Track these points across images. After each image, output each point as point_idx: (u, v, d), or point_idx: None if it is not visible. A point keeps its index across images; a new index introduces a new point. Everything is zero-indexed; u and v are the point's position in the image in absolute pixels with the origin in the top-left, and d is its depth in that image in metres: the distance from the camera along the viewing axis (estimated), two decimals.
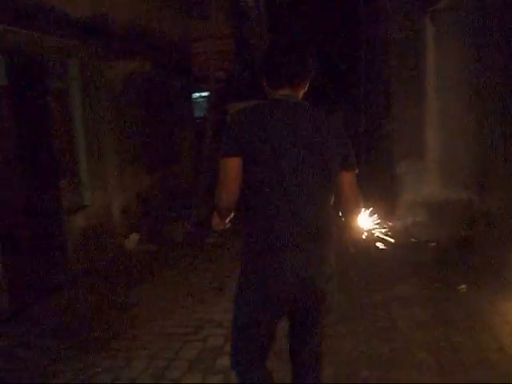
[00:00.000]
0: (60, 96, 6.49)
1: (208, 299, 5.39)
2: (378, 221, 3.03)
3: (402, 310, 4.80)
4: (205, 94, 16.32)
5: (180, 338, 4.49)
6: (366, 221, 2.88)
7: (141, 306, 5.35)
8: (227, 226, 2.61)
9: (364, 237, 2.81)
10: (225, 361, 4.05)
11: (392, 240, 3.20)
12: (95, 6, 6.70)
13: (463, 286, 5.19)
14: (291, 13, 12.02)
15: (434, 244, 6.60)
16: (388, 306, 4.90)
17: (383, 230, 3.08)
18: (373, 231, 2.98)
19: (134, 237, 7.52)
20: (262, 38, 13.41)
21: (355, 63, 9.48)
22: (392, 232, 3.19)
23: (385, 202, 8.00)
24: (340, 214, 2.59)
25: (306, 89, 2.56)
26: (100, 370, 4.03)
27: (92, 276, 6.35)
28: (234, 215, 2.55)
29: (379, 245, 3.15)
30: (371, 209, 2.94)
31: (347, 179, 2.51)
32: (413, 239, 6.72)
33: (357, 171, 2.54)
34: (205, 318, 4.87)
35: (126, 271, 6.55)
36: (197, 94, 13.07)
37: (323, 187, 2.43)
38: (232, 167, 2.36)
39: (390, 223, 5.78)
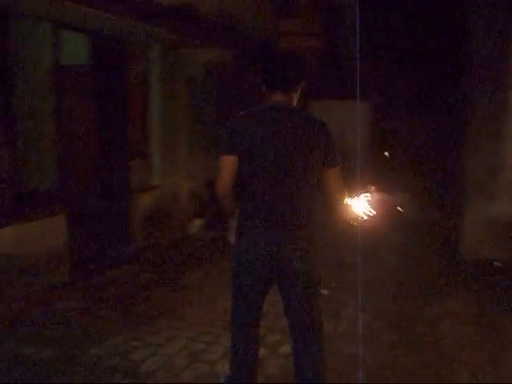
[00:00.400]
0: (139, 79, 6.74)
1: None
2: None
3: (453, 326, 4.66)
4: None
5: (223, 323, 4.56)
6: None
7: (192, 288, 5.49)
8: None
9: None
10: (262, 351, 4.11)
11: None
12: None
13: None
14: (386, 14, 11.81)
15: (499, 264, 6.32)
16: (438, 322, 4.76)
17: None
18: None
19: (198, 222, 7.70)
20: (351, 39, 13.24)
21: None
22: None
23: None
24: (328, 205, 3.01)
25: (298, 94, 2.98)
26: (140, 344, 4.18)
27: (152, 254, 6.59)
28: None
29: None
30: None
31: (331, 174, 2.93)
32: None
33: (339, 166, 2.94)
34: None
35: (185, 254, 6.74)
36: None
37: (304, 182, 2.85)
38: (226, 163, 2.85)
39: None
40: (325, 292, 4.96)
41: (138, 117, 6.86)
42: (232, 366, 3.13)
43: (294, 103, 2.98)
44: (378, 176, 10.49)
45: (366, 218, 3.08)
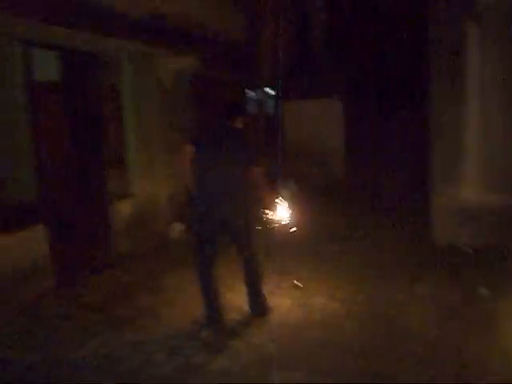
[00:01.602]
0: (112, 90, 6.92)
1: (236, 288, 5.64)
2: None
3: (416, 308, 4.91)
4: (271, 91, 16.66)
5: (200, 321, 4.77)
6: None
7: (171, 290, 5.70)
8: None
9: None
10: (237, 343, 4.35)
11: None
12: (148, 3, 7.05)
13: (483, 290, 5.22)
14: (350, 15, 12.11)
15: (470, 250, 6.60)
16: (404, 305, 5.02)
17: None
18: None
19: (178, 226, 7.89)
20: (319, 38, 13.52)
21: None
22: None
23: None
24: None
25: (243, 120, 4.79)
26: (122, 343, 4.39)
27: (133, 260, 6.78)
28: None
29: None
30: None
31: (253, 172, 4.59)
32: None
33: (258, 167, 4.59)
34: (227, 305, 5.13)
35: (166, 258, 6.93)
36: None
37: (235, 172, 4.55)
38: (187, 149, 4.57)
39: None
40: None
41: (113, 127, 7.04)
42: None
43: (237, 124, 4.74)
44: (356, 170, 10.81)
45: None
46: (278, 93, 10.61)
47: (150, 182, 7.64)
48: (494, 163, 6.79)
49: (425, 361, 3.92)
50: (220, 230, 4.56)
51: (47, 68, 5.87)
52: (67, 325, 4.84)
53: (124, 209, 7.09)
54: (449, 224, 6.90)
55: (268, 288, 5.04)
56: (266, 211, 4.90)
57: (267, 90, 11.93)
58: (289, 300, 5.24)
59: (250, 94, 12.08)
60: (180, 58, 7.79)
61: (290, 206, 4.97)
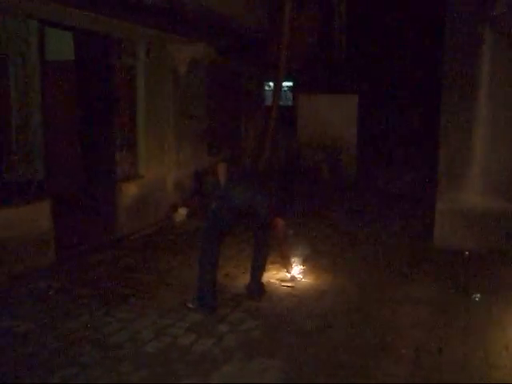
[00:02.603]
0: (125, 73, 7.04)
1: (230, 275, 5.76)
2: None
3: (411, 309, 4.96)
4: (289, 83, 16.70)
5: (191, 303, 4.89)
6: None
7: (169, 272, 5.83)
8: None
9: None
10: (224, 327, 4.46)
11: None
12: None
13: (477, 295, 5.25)
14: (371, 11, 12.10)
15: (467, 253, 6.61)
16: (397, 305, 5.07)
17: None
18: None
19: (183, 211, 8.03)
20: (338, 33, 13.53)
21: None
22: None
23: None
24: None
25: None
26: (112, 319, 4.53)
27: (135, 241, 6.93)
28: None
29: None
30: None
31: (276, 222, 5.00)
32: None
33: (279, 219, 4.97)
34: (222, 291, 5.24)
35: (168, 241, 7.07)
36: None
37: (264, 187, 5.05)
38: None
39: None
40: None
41: (125, 109, 7.17)
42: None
43: None
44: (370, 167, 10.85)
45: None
46: (294, 85, 10.65)
47: (159, 166, 7.77)
48: (500, 169, 6.79)
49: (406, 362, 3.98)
50: (244, 216, 4.91)
51: (62, 48, 6.00)
52: (62, 298, 4.99)
53: (131, 190, 7.24)
54: (451, 227, 6.93)
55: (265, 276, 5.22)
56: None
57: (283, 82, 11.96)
58: (282, 290, 5.35)
59: (266, 85, 12.17)
60: (195, 46, 7.88)
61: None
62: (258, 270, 5.23)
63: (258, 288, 5.21)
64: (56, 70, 5.86)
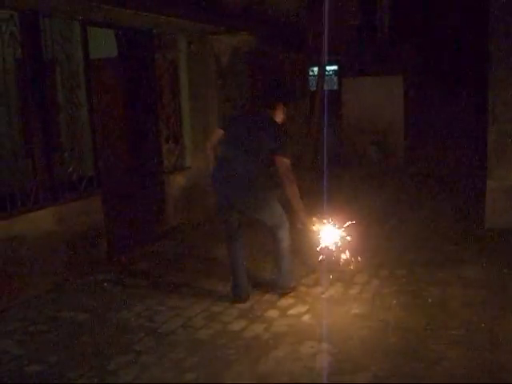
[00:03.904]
0: (168, 66, 7.15)
1: None
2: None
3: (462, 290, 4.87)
4: (334, 67, 16.55)
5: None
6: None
7: (219, 261, 5.88)
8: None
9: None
10: (273, 313, 4.50)
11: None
12: None
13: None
14: None
15: None
16: (447, 285, 4.98)
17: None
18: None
19: None
20: (383, 14, 13.25)
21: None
22: None
23: None
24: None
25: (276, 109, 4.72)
26: (164, 308, 4.64)
27: (184, 231, 7.06)
28: None
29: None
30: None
31: (277, 160, 4.44)
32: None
33: (282, 156, 4.42)
34: (270, 277, 5.29)
35: (216, 230, 7.13)
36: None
37: (254, 160, 4.44)
38: (216, 131, 4.88)
39: None
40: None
41: (169, 102, 7.29)
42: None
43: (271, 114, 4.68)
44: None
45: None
46: (338, 69, 10.52)
47: (204, 158, 7.84)
48: None
49: (461, 343, 3.91)
50: (230, 208, 4.57)
51: (105, 45, 6.13)
52: (116, 289, 5.16)
53: (179, 181, 7.36)
54: (502, 205, 6.74)
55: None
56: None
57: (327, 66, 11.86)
58: (331, 275, 5.33)
59: (310, 70, 12.07)
60: (236, 35, 7.90)
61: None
62: (275, 261, 4.86)
63: (279, 282, 4.86)
64: (100, 67, 6.01)
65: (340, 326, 4.24)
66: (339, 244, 4.59)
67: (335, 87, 15.76)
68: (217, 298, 4.84)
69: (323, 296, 4.84)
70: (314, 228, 4.60)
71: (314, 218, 4.60)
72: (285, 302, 4.74)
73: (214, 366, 3.70)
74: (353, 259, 4.75)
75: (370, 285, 5.09)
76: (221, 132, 4.73)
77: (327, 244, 4.58)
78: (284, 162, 4.44)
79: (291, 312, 4.53)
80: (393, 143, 11.75)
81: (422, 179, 10.00)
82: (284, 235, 4.70)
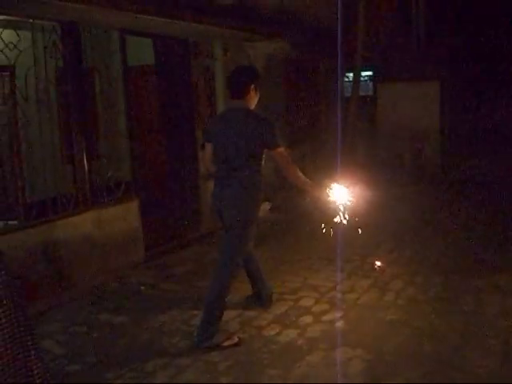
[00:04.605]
0: (204, 73, 7.25)
1: (313, 267, 5.81)
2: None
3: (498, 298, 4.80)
4: (369, 73, 16.48)
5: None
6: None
7: None
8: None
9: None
10: (307, 319, 4.52)
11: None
12: None
13: None
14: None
15: None
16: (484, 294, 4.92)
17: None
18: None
19: (266, 205, 8.14)
20: (419, 20, 13.14)
21: None
22: None
23: None
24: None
25: (252, 97, 4.14)
26: (199, 312, 4.69)
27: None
28: None
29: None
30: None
31: (276, 154, 4.07)
32: None
33: (281, 149, 4.02)
34: (304, 282, 5.32)
35: None
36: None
37: (246, 159, 4.03)
38: (207, 148, 4.32)
39: None
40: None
41: (205, 109, 7.38)
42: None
43: (248, 104, 4.13)
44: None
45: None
46: (374, 74, 10.49)
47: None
48: None
49: (497, 353, 3.86)
50: (218, 213, 4.33)
51: (142, 53, 6.27)
52: (152, 293, 5.25)
53: (212, 187, 7.41)
54: None
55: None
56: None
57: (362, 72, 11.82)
58: (367, 281, 5.32)
59: (346, 76, 12.06)
60: (270, 42, 7.97)
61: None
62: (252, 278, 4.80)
63: (261, 296, 4.81)
64: (138, 74, 6.14)
65: (374, 332, 4.23)
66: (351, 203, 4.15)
67: (370, 93, 15.71)
68: (251, 303, 4.87)
69: (358, 302, 4.83)
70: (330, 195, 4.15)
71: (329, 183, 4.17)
72: (319, 307, 4.75)
73: (248, 369, 3.74)
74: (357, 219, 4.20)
75: (405, 291, 5.06)
76: (209, 146, 4.27)
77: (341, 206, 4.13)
78: (281, 154, 4.05)
79: (325, 318, 4.54)
80: (429, 149, 11.63)
81: (461, 186, 9.88)
82: (234, 255, 4.37)
